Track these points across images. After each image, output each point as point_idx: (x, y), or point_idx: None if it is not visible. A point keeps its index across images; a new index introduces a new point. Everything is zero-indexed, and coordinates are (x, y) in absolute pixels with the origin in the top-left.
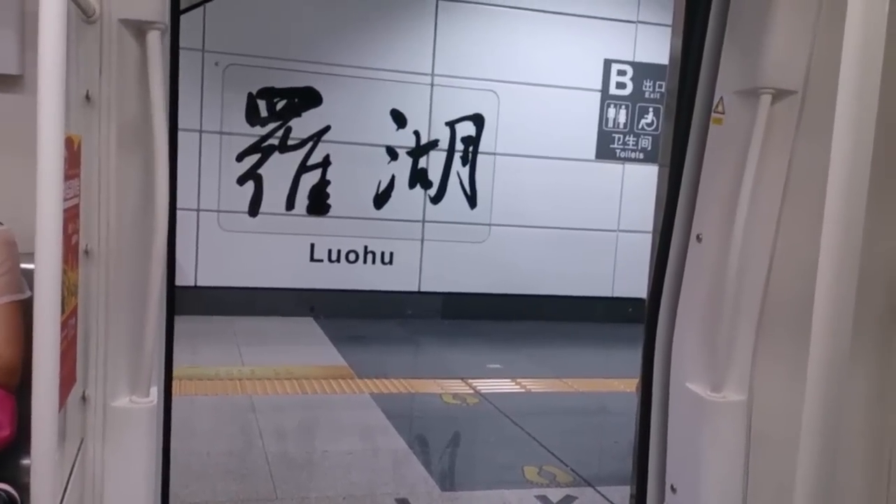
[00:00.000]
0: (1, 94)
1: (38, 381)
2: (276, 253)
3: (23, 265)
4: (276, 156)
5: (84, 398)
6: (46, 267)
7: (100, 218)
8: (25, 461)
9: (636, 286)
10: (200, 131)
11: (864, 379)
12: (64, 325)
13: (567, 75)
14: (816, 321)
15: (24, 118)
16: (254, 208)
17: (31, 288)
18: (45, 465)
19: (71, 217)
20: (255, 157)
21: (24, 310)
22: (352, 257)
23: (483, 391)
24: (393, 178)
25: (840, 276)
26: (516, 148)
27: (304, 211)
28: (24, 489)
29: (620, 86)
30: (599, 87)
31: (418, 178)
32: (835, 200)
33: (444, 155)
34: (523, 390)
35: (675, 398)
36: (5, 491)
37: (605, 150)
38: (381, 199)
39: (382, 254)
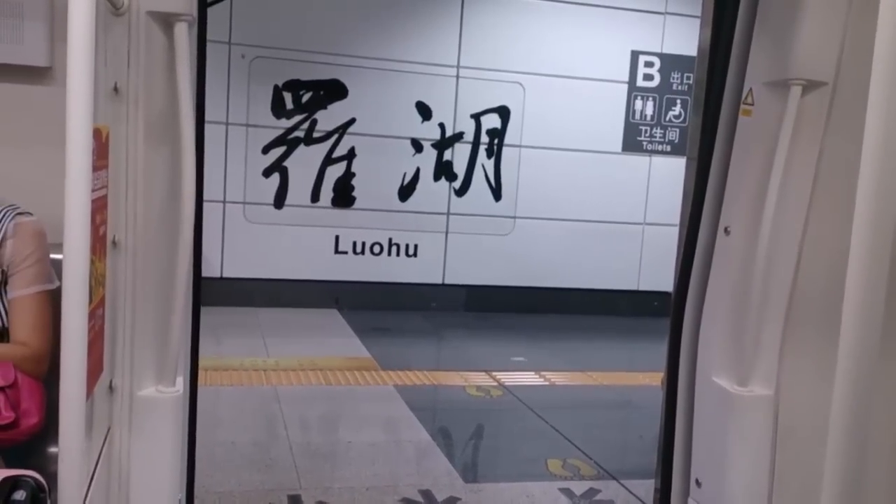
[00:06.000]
0: (31, 86)
1: (65, 370)
2: (301, 245)
3: (52, 255)
4: (301, 148)
5: (111, 387)
6: (75, 257)
7: (127, 209)
8: (53, 449)
9: (662, 280)
10: (227, 123)
11: (893, 375)
12: (92, 314)
13: (594, 67)
14: (846, 316)
15: (54, 109)
16: (279, 200)
17: (60, 278)
18: (73, 453)
19: (99, 208)
20: (280, 150)
21: (53, 299)
22: (376, 249)
23: (507, 384)
24: (418, 170)
25: (870, 271)
26: (542, 140)
27: (329, 203)
28: (51, 477)
29: (648, 77)
30: (626, 78)
31: (443, 170)
32: (865, 194)
33: (469, 147)
34: (547, 383)
35: (700, 392)
36: (33, 478)
37: (632, 142)
38: (405, 191)
39: (407, 246)
